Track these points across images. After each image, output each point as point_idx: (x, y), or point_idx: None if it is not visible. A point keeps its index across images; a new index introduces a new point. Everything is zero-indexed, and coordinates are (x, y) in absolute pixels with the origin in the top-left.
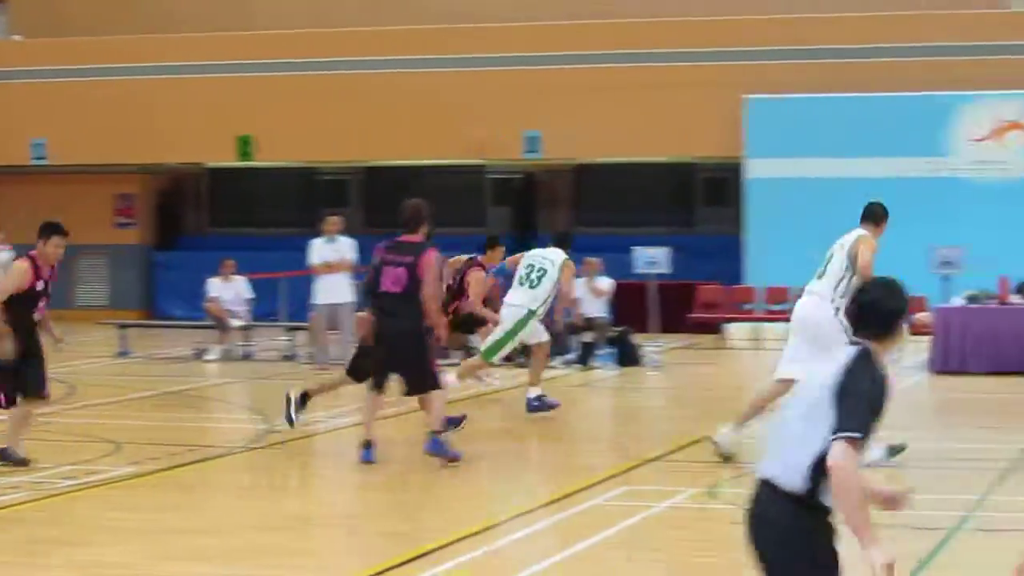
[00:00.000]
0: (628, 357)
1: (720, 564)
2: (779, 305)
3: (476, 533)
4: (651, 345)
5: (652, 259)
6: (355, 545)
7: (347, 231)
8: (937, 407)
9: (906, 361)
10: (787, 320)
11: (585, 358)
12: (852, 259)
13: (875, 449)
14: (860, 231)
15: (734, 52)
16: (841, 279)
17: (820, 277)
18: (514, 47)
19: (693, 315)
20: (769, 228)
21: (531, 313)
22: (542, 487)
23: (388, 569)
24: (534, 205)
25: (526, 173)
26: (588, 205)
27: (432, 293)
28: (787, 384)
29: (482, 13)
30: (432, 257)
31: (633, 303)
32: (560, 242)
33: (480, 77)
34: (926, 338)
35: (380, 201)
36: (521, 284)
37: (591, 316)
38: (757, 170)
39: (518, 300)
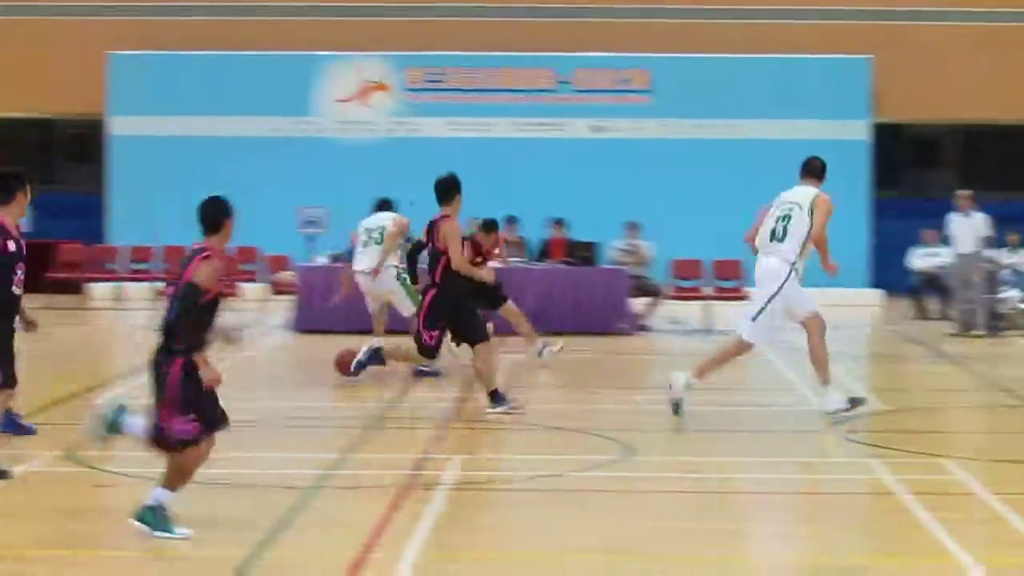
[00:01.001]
0: None
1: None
2: (141, 264)
3: None
4: None
5: None
6: None
7: None
8: (299, 366)
9: (270, 320)
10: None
11: None
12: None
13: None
14: (813, 189)
15: (97, 7)
16: (804, 240)
17: (780, 239)
18: None
19: (53, 274)
20: (133, 187)
21: None
22: None
23: None
24: None
25: None
26: None
27: None
28: (748, 346)
29: None
30: None
31: None
32: None
33: None
34: (289, 297)
35: None
36: None
37: None
38: (120, 128)
39: None
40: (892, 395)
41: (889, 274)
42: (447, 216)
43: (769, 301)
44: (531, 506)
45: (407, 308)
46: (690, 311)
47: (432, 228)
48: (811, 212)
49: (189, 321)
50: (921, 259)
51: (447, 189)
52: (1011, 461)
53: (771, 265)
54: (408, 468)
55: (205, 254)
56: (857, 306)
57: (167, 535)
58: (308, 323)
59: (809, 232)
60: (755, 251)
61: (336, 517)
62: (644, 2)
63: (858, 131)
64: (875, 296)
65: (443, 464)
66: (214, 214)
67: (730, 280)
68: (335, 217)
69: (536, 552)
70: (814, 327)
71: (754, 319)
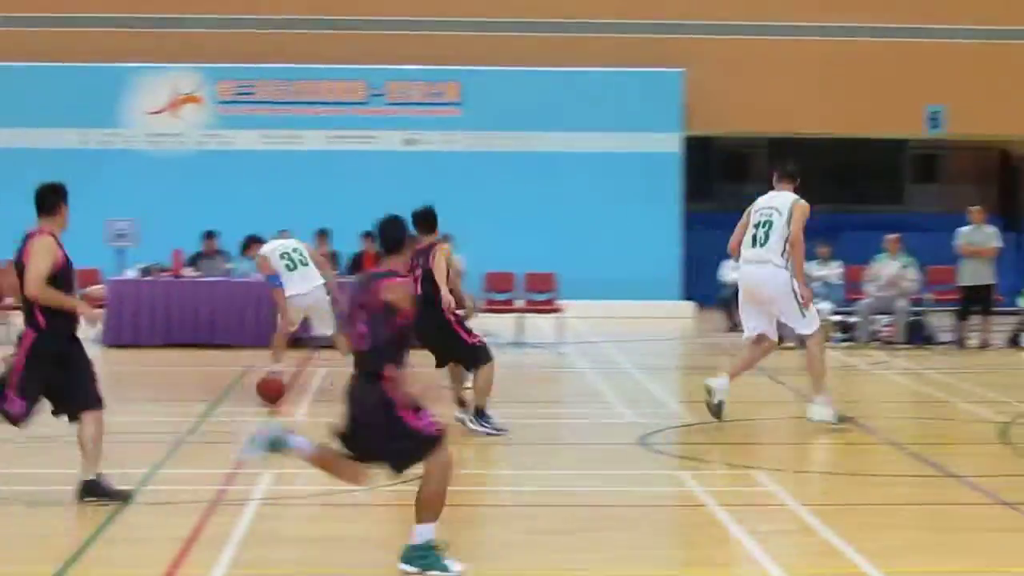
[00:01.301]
0: None
1: None
2: None
3: None
4: None
5: None
6: None
7: None
8: (111, 381)
9: (81, 334)
10: None
11: None
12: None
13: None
14: (792, 195)
15: None
16: (784, 245)
17: (760, 245)
18: None
19: None
20: None
21: None
22: None
23: None
24: None
25: None
26: None
27: None
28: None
29: None
30: None
31: None
32: None
33: None
34: (99, 311)
35: None
36: None
37: None
38: None
39: None
40: (703, 407)
41: (701, 286)
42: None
43: (800, 300)
44: (343, 521)
45: (332, 326)
46: (503, 324)
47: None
48: (790, 217)
49: None
50: (732, 271)
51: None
52: (821, 472)
53: (764, 274)
54: (218, 483)
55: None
56: (669, 318)
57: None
58: (117, 337)
59: (788, 238)
60: (736, 259)
61: (145, 533)
62: (455, 15)
63: (669, 144)
64: (687, 308)
65: (253, 479)
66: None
67: (543, 293)
68: (145, 230)
69: (350, 567)
70: (815, 341)
71: (804, 317)
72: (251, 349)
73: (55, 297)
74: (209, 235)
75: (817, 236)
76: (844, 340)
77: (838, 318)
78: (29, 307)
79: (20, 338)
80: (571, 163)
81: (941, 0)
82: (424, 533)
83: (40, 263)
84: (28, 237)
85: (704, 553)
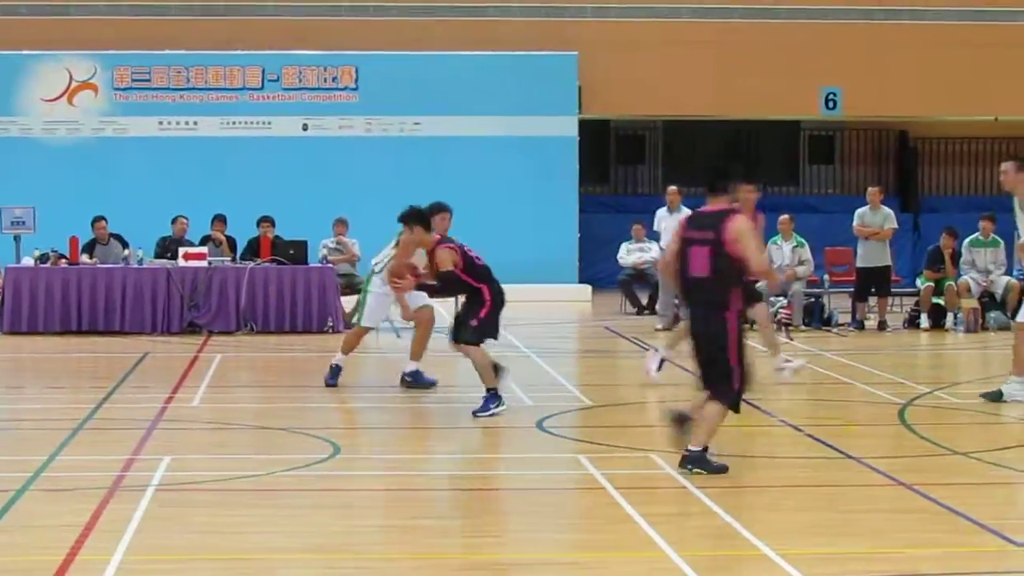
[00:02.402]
0: None
1: None
2: None
3: None
4: None
5: None
6: None
7: None
8: (9, 368)
9: None
10: None
11: None
12: None
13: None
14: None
15: None
16: None
17: None
18: None
19: None
20: None
21: None
22: None
23: None
24: None
25: None
26: None
27: None
28: None
29: None
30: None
31: None
32: None
33: None
34: None
35: None
36: None
37: None
38: None
39: None
40: (601, 390)
41: (597, 270)
42: None
43: None
44: (239, 506)
45: None
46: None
47: None
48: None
49: None
50: (629, 255)
51: None
52: (718, 454)
53: None
54: (117, 469)
55: None
56: (566, 301)
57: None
58: (15, 324)
59: None
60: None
61: (43, 519)
62: (351, 0)
63: (566, 127)
64: (584, 291)
65: (152, 465)
66: None
67: None
68: (42, 217)
69: (244, 553)
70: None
71: None
72: (149, 336)
73: None
74: (98, 220)
75: None
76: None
77: None
78: None
79: None
80: (467, 147)
81: None
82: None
83: None
84: None
85: (600, 536)
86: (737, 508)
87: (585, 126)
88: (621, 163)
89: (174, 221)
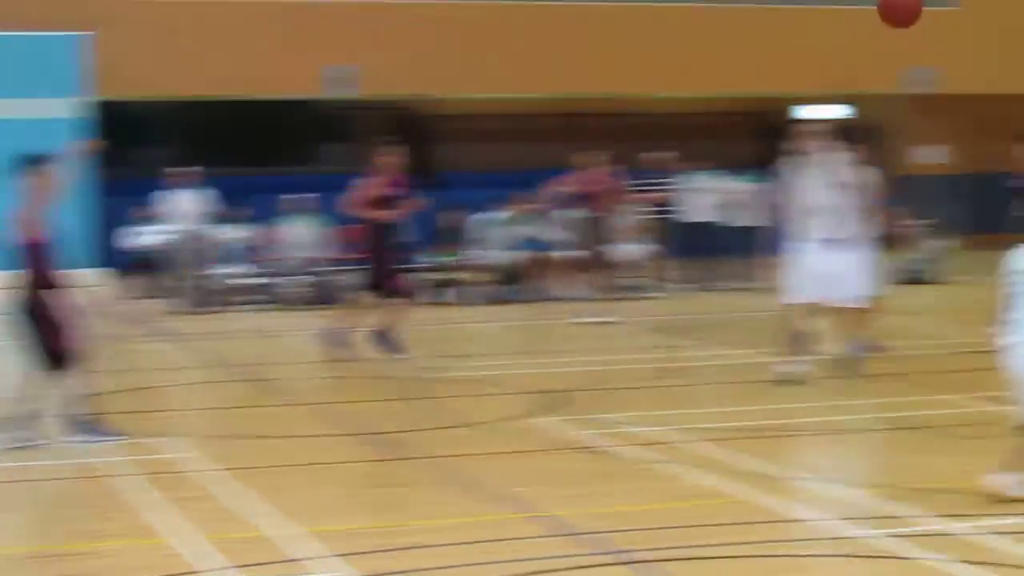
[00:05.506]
0: None
1: None
2: None
3: None
4: None
5: None
6: None
7: None
8: None
9: None
10: None
11: None
12: None
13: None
14: None
15: None
16: None
17: None
18: None
19: None
20: None
21: None
22: None
23: None
24: None
25: None
26: None
27: None
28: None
29: None
30: None
31: None
32: None
33: None
34: None
35: None
36: None
37: None
38: None
39: None
40: (111, 376)
41: (106, 253)
42: None
43: None
44: None
45: None
46: None
47: None
48: None
49: None
50: (136, 237)
51: None
52: (229, 436)
53: None
54: None
55: None
56: (81, 286)
57: None
58: None
59: None
60: None
61: None
62: None
63: (72, 109)
64: (100, 275)
65: None
66: None
67: None
68: None
69: None
70: None
71: None
72: None
73: None
74: None
75: (230, 199)
76: (263, 303)
77: (255, 281)
78: None
79: None
80: None
81: None
82: None
83: None
84: None
85: (95, 526)
86: (244, 489)
87: (97, 108)
88: (136, 145)
89: None
